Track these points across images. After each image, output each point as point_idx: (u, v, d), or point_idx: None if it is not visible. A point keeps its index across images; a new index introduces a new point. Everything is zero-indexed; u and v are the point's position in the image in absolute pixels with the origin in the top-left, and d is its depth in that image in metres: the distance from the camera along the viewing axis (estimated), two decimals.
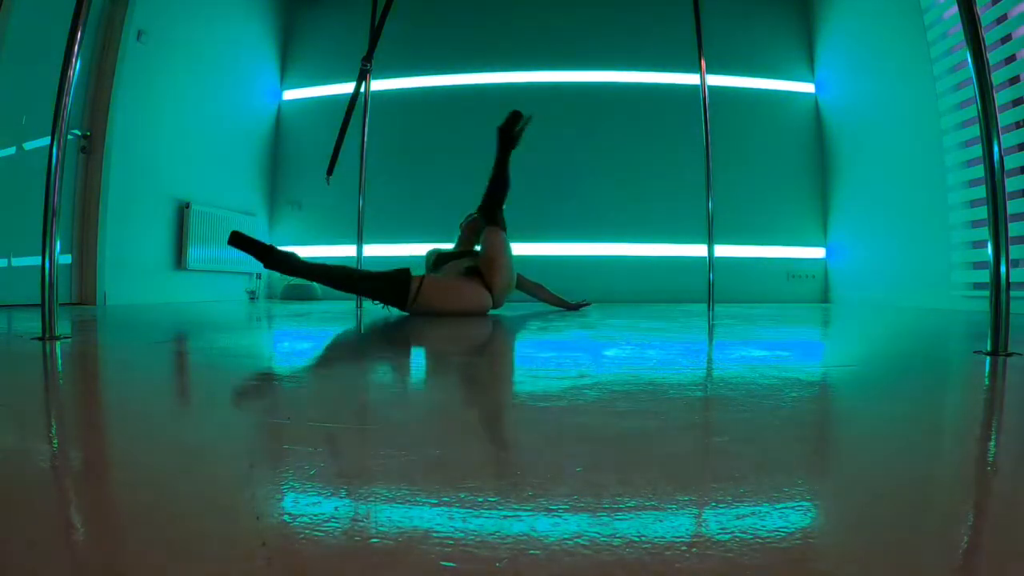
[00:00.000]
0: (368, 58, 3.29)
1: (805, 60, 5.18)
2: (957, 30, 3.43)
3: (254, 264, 5.02)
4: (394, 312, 2.82)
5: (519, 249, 3.11)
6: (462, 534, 0.38)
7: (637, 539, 0.37)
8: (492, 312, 2.87)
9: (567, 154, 5.08)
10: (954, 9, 3.01)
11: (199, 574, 0.33)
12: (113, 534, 0.39)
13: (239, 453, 0.59)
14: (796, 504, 0.43)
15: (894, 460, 0.56)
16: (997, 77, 3.15)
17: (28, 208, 3.06)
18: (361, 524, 0.40)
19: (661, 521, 0.40)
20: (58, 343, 1.43)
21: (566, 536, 0.37)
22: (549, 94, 5.09)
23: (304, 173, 5.37)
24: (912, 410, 0.79)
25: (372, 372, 1.13)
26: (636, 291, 4.96)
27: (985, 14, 3.21)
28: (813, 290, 5.05)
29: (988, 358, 1.24)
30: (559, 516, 0.41)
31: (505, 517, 0.41)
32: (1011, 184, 3.11)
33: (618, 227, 5.07)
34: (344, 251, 5.23)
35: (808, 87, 5.15)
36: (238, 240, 2.54)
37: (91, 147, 3.58)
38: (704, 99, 3.33)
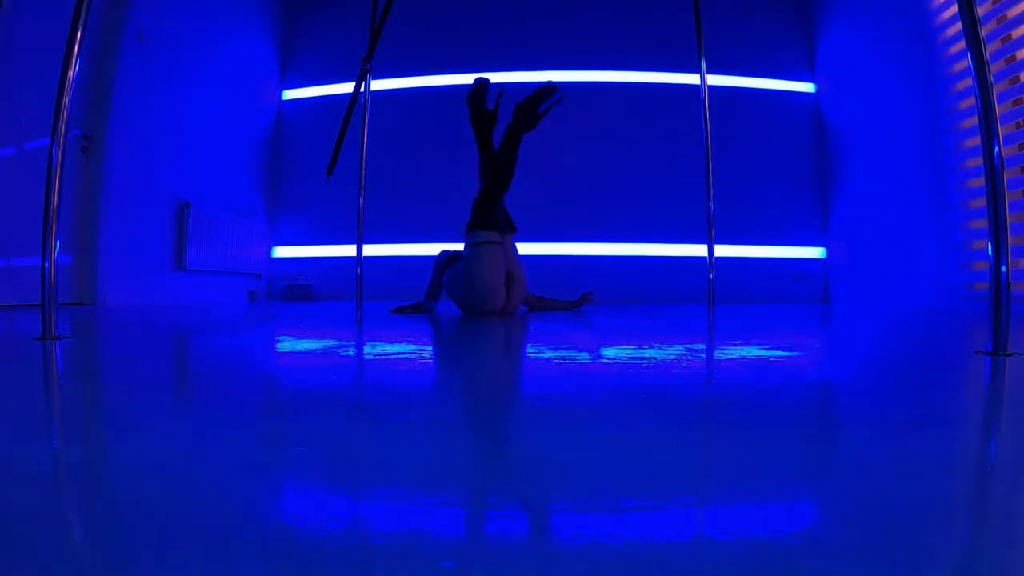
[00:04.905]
0: (368, 58, 3.29)
1: (805, 60, 5.17)
2: (957, 30, 3.43)
3: (254, 264, 5.05)
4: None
5: (519, 249, 3.12)
6: (462, 534, 0.38)
7: (637, 539, 0.37)
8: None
9: (566, 153, 5.08)
10: (954, 9, 3.02)
11: (198, 575, 0.33)
12: (112, 535, 0.39)
13: (239, 453, 0.59)
14: (796, 504, 0.43)
15: (895, 460, 0.56)
16: (997, 77, 3.15)
17: (28, 208, 3.06)
18: (361, 524, 0.40)
19: (661, 521, 0.40)
20: (58, 343, 1.43)
21: (566, 536, 0.37)
22: None
23: (304, 173, 5.37)
24: (913, 410, 0.79)
25: (367, 372, 1.13)
26: (635, 291, 4.96)
27: (985, 14, 3.21)
28: (813, 290, 5.04)
29: (988, 358, 1.24)
30: (559, 516, 0.41)
31: (505, 517, 0.41)
32: (1011, 184, 3.11)
33: (618, 227, 5.06)
34: (344, 251, 5.23)
35: (808, 87, 5.15)
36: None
37: (91, 147, 3.58)
38: (704, 99, 3.33)
